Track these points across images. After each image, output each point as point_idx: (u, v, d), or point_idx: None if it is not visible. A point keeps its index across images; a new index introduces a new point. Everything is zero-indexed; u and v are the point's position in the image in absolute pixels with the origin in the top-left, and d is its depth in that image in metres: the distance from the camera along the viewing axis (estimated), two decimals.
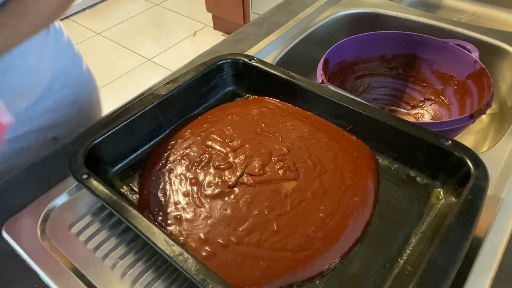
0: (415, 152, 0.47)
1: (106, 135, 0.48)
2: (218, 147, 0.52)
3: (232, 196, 0.46)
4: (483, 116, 0.61)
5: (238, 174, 0.48)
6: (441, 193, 0.46)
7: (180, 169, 0.50)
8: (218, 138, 0.53)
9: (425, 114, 0.72)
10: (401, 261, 0.40)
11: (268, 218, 0.44)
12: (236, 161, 0.50)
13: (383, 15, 0.81)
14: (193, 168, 0.50)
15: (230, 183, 0.47)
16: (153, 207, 0.46)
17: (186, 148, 0.52)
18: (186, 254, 0.36)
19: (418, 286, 0.33)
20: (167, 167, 0.50)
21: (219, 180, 0.48)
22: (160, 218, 0.45)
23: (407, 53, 0.72)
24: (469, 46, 0.66)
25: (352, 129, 0.52)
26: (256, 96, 0.61)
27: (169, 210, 0.45)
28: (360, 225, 0.43)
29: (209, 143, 0.52)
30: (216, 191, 0.47)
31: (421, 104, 0.73)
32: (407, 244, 0.41)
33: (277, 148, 0.51)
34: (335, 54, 0.68)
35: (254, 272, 0.39)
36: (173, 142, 0.54)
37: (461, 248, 0.35)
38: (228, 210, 0.45)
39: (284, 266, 0.40)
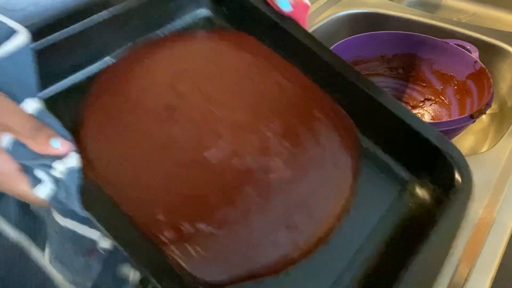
0: (399, 140, 0.41)
1: (41, 44, 0.37)
2: (191, 98, 0.41)
3: (208, 170, 0.37)
4: (483, 116, 0.61)
5: (223, 153, 0.38)
6: (417, 192, 0.41)
7: (140, 112, 0.40)
8: (190, 84, 0.42)
9: (425, 114, 0.72)
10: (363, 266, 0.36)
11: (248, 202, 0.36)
12: (217, 126, 0.40)
13: (383, 15, 0.81)
14: (156, 116, 0.39)
15: (211, 158, 0.37)
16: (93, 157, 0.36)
17: (148, 84, 0.42)
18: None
19: None
20: (121, 107, 0.40)
21: (194, 144, 0.38)
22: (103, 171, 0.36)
23: (407, 53, 0.72)
24: (469, 46, 0.66)
25: (340, 98, 0.44)
26: (234, 31, 0.47)
27: (116, 165, 0.36)
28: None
29: (179, 87, 0.41)
30: (188, 158, 0.37)
31: (421, 104, 0.73)
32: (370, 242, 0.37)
33: (264, 115, 0.41)
34: None
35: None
36: (128, 71, 0.42)
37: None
38: (201, 186, 0.36)
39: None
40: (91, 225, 0.33)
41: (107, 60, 0.42)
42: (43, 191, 0.30)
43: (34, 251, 0.39)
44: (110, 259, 0.35)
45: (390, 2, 0.84)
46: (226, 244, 0.33)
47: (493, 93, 0.58)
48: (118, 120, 0.39)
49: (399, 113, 0.40)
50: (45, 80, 0.36)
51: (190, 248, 0.32)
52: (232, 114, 0.40)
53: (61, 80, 0.40)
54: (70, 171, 0.30)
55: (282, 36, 0.44)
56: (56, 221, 0.34)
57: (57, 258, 0.36)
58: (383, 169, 0.41)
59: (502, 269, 0.42)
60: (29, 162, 0.30)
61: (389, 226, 0.38)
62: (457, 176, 0.37)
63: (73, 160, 0.31)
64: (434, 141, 0.38)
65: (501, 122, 0.69)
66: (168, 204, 0.34)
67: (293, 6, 0.42)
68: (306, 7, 0.43)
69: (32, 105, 0.30)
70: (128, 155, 0.37)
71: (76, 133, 0.36)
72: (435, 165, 0.39)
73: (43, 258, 0.38)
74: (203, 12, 0.48)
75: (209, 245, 0.33)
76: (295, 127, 0.40)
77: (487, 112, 0.57)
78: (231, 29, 0.47)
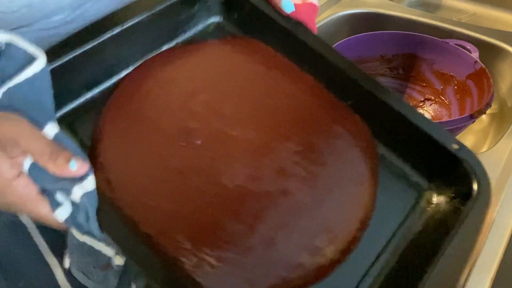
0: (416, 147, 0.40)
1: (56, 63, 0.37)
2: (207, 118, 0.40)
3: (225, 195, 0.36)
4: (483, 116, 0.61)
5: (240, 177, 0.37)
6: (434, 199, 0.40)
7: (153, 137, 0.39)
8: (205, 102, 0.41)
9: (425, 114, 0.72)
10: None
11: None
12: (233, 149, 0.39)
13: (383, 15, 0.81)
14: (173, 138, 0.39)
15: (228, 183, 0.37)
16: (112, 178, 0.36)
17: (162, 103, 0.41)
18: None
19: None
20: (136, 126, 0.39)
21: (210, 168, 0.37)
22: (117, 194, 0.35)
23: (407, 53, 0.72)
24: (469, 46, 0.67)
25: (354, 105, 0.42)
26: (246, 38, 0.47)
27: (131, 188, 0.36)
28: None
29: (194, 106, 0.41)
30: (205, 183, 0.37)
31: (421, 104, 0.73)
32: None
33: (283, 135, 0.40)
34: None
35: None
36: (142, 88, 0.42)
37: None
38: (219, 211, 0.36)
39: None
40: (107, 243, 0.34)
41: (122, 74, 0.43)
42: (63, 215, 0.31)
43: (36, 237, 0.40)
44: (125, 275, 0.36)
45: (390, 2, 0.84)
46: (246, 268, 0.33)
47: (493, 93, 0.58)
48: (134, 139, 0.39)
49: (415, 119, 0.39)
50: (61, 98, 0.37)
51: (210, 271, 0.33)
52: (247, 134, 0.39)
53: (77, 97, 0.40)
54: (88, 195, 0.31)
55: (293, 42, 0.43)
56: (74, 237, 0.35)
57: (78, 269, 0.37)
58: (399, 176, 0.40)
59: (502, 269, 0.42)
60: (50, 185, 0.30)
61: (406, 235, 0.37)
62: (475, 185, 0.36)
63: (90, 183, 0.31)
64: (452, 148, 0.37)
65: (501, 122, 0.69)
66: (189, 230, 0.34)
67: (300, 6, 0.42)
68: (314, 7, 0.42)
69: (51, 129, 0.31)
70: (144, 177, 0.37)
71: (93, 151, 0.37)
72: (452, 173, 0.38)
73: (44, 248, 0.39)
74: (215, 19, 0.48)
75: (230, 269, 0.33)
76: (312, 144, 0.39)
77: (487, 112, 0.57)
78: (243, 36, 0.47)
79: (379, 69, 0.75)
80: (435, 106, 0.72)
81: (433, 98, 0.72)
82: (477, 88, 0.63)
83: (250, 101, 0.42)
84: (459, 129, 0.57)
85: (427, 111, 0.72)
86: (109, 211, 0.33)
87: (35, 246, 0.40)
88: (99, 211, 0.32)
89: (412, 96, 0.74)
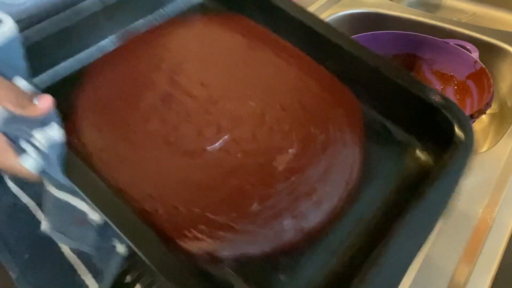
0: (396, 102, 0.39)
1: (32, 34, 0.38)
2: (189, 91, 0.40)
3: (208, 160, 0.36)
4: (483, 116, 0.61)
5: (223, 137, 0.37)
6: (417, 151, 0.39)
7: (135, 103, 0.39)
8: (187, 76, 0.41)
9: None
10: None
11: (249, 194, 0.36)
12: (218, 117, 0.39)
13: (383, 15, 0.81)
14: (154, 108, 0.39)
15: (210, 145, 0.37)
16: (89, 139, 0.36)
17: (143, 74, 0.41)
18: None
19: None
20: (117, 96, 0.39)
21: (194, 135, 0.37)
22: (93, 153, 0.36)
23: (407, 53, 0.72)
24: (469, 46, 0.66)
25: (329, 63, 0.43)
26: (227, 13, 0.48)
27: (110, 146, 0.36)
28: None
29: (177, 79, 0.41)
30: (188, 147, 0.37)
31: None
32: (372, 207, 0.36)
33: (268, 104, 0.40)
34: None
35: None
36: (121, 61, 0.42)
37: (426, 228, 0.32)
38: (198, 174, 0.35)
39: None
40: (82, 198, 0.33)
41: (100, 47, 0.42)
42: (30, 164, 0.31)
43: (39, 214, 0.40)
44: (105, 230, 0.36)
45: (390, 2, 0.84)
46: (231, 231, 0.33)
47: (493, 93, 0.58)
48: (113, 109, 0.39)
49: (393, 75, 0.39)
50: (37, 67, 0.37)
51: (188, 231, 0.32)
52: (232, 104, 0.39)
53: (53, 67, 0.40)
54: (52, 142, 0.31)
55: (275, 13, 0.44)
56: (51, 193, 0.35)
57: (55, 228, 0.37)
58: (381, 133, 0.40)
59: (502, 269, 0.42)
60: (15, 130, 0.30)
61: (390, 189, 0.37)
62: (457, 130, 0.36)
63: (56, 132, 0.31)
64: (431, 98, 0.37)
65: (501, 122, 0.69)
66: (167, 190, 0.34)
67: None
68: None
69: (20, 82, 0.31)
70: (125, 144, 0.36)
71: (70, 123, 0.36)
72: (435, 124, 0.38)
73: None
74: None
75: (213, 230, 0.33)
76: (299, 113, 0.39)
77: (487, 112, 0.57)
78: (224, 11, 0.47)
79: None
80: None
81: None
82: (477, 88, 0.63)
83: (234, 72, 0.42)
84: None
85: None
86: (78, 162, 0.32)
87: (37, 222, 0.40)
88: (71, 162, 0.32)
89: None
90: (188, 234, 0.32)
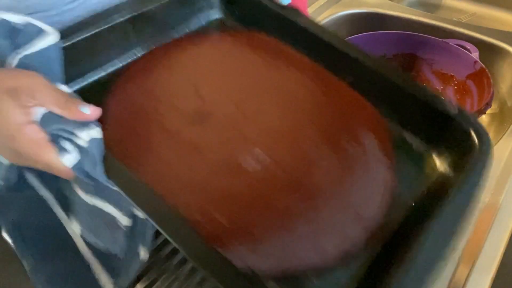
0: (414, 112, 0.40)
1: (66, 44, 0.39)
2: (218, 106, 0.41)
3: (245, 174, 0.36)
4: (483, 116, 0.61)
5: (257, 151, 0.37)
6: (437, 163, 0.40)
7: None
8: (214, 92, 0.42)
9: None
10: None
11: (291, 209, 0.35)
12: (251, 133, 0.39)
13: (383, 15, 0.81)
14: (186, 119, 0.40)
15: (246, 159, 0.37)
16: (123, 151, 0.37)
17: (169, 88, 0.42)
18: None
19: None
20: (146, 106, 0.41)
21: (229, 150, 0.38)
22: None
23: (407, 53, 0.72)
24: (469, 46, 0.67)
25: (349, 79, 0.43)
26: (246, 30, 0.49)
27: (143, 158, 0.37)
28: None
29: (204, 94, 0.41)
30: (225, 161, 0.37)
31: None
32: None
33: (297, 119, 0.40)
34: None
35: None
36: (147, 72, 0.44)
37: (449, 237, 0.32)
38: (239, 188, 0.36)
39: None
40: (111, 202, 0.35)
41: (126, 58, 0.45)
42: (69, 160, 0.32)
43: (56, 208, 0.40)
44: (133, 236, 0.37)
45: (390, 2, 0.84)
46: (272, 247, 0.33)
47: (493, 93, 0.58)
48: (143, 114, 0.40)
49: (411, 89, 0.39)
50: (72, 77, 0.40)
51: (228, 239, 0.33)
52: (263, 119, 0.40)
53: (82, 76, 0.43)
54: (93, 140, 0.33)
55: (292, 28, 0.45)
56: (80, 197, 0.36)
57: (87, 231, 0.38)
58: (400, 144, 0.40)
59: (502, 269, 0.42)
60: (57, 130, 0.32)
61: (414, 198, 0.37)
62: (475, 140, 0.37)
63: (96, 132, 0.33)
64: (449, 110, 0.38)
65: (501, 122, 0.69)
66: (206, 201, 0.34)
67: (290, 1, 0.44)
68: (304, 1, 0.45)
69: (62, 87, 0.34)
70: (157, 153, 0.37)
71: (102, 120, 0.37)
72: (453, 135, 0.38)
73: (67, 220, 0.40)
74: (217, 15, 0.51)
75: (256, 245, 0.33)
76: (328, 127, 0.40)
77: (487, 112, 0.58)
78: (243, 29, 0.49)
79: None
80: None
81: None
82: (477, 88, 0.63)
83: (260, 87, 0.43)
84: None
85: None
86: (116, 164, 0.33)
87: (54, 216, 0.40)
88: (106, 160, 0.33)
89: None
90: (231, 247, 0.32)
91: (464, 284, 0.40)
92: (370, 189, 0.37)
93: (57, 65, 0.36)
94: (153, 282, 0.42)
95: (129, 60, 0.45)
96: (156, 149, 0.38)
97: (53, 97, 0.32)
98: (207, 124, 0.39)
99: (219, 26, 0.50)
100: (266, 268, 0.32)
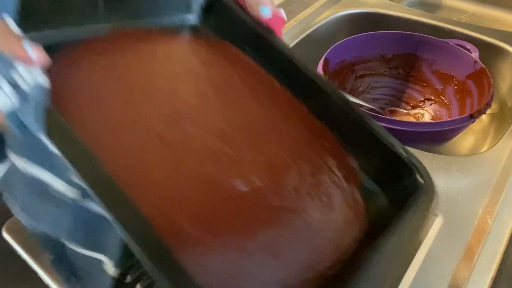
0: (366, 151, 0.40)
1: None
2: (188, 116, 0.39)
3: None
4: (483, 116, 0.61)
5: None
6: (382, 199, 0.40)
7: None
8: (182, 99, 0.40)
9: (425, 114, 0.72)
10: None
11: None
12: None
13: (383, 15, 0.81)
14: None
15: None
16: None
17: (134, 81, 0.39)
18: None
19: None
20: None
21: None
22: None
23: (407, 53, 0.72)
24: (469, 46, 0.67)
25: (310, 104, 0.43)
26: (219, 41, 0.47)
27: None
28: None
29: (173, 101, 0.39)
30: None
31: (421, 104, 0.73)
32: None
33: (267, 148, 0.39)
34: (335, 54, 0.68)
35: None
36: (112, 53, 0.41)
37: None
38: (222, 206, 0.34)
39: None
40: (45, 166, 0.30)
41: (91, 31, 0.41)
42: (4, 102, 0.27)
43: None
44: (79, 206, 0.31)
45: (390, 2, 0.84)
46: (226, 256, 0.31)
47: (493, 93, 0.58)
48: (106, 104, 0.36)
49: (364, 124, 0.39)
50: (24, 26, 0.32)
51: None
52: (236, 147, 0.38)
53: (40, 31, 0.38)
54: (37, 85, 0.27)
55: (266, 49, 0.44)
56: (12, 162, 0.31)
57: (23, 210, 0.32)
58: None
59: (502, 269, 0.42)
60: None
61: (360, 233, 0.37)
62: (419, 178, 0.37)
63: (42, 77, 0.28)
64: (393, 149, 0.38)
65: (501, 122, 0.69)
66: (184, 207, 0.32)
67: (272, 19, 0.43)
68: (282, 20, 0.44)
69: (9, 20, 0.28)
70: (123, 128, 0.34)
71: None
72: (396, 173, 0.39)
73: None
74: (192, 18, 0.48)
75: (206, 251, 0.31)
76: (296, 159, 0.39)
77: (487, 112, 0.58)
78: (216, 39, 0.47)
79: (379, 69, 0.75)
80: (435, 106, 0.72)
81: (433, 98, 0.72)
82: (477, 88, 0.63)
83: (233, 110, 0.41)
84: (459, 129, 0.57)
85: (427, 111, 0.72)
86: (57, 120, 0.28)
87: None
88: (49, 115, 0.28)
89: (412, 96, 0.74)
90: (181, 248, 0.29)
91: (464, 284, 0.40)
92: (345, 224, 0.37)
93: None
94: (153, 282, 0.42)
95: (91, 34, 0.41)
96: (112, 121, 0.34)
97: None
98: (179, 123, 0.37)
99: (193, 31, 0.48)
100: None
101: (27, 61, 0.27)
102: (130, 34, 0.44)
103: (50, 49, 0.35)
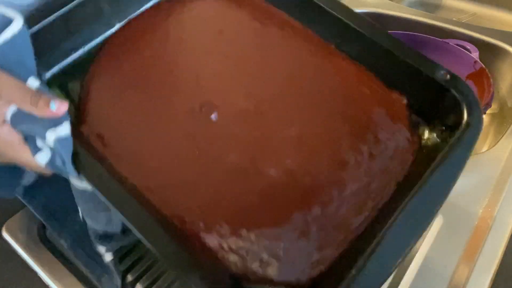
0: (403, 80, 0.38)
1: (36, 30, 0.37)
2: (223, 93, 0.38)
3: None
4: (483, 116, 0.61)
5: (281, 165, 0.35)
6: (426, 132, 0.38)
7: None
8: (212, 76, 0.39)
9: None
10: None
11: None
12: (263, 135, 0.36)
13: (383, 15, 0.81)
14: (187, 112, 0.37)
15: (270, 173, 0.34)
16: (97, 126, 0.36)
17: (156, 65, 0.39)
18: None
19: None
20: (119, 80, 0.39)
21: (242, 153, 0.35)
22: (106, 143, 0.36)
23: None
24: (469, 46, 0.66)
25: (340, 44, 0.41)
26: None
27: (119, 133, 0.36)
28: None
29: (206, 76, 0.39)
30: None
31: None
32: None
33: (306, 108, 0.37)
34: None
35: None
36: (125, 47, 0.41)
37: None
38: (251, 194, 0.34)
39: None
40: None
41: (105, 32, 0.42)
42: (43, 159, 0.33)
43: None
44: None
45: (390, 2, 0.84)
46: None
47: (493, 93, 0.58)
48: (128, 97, 0.37)
49: (400, 52, 0.37)
50: (49, 59, 0.39)
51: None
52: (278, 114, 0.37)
53: (65, 58, 0.41)
54: (59, 140, 0.32)
55: None
56: (73, 183, 0.36)
57: (86, 215, 0.39)
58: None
59: (502, 269, 0.42)
60: (30, 131, 0.32)
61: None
62: (465, 112, 0.35)
63: (63, 129, 0.33)
64: (440, 76, 0.36)
65: (501, 122, 0.69)
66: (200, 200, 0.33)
67: None
68: None
69: (32, 81, 0.33)
70: (141, 135, 0.36)
71: (80, 106, 0.37)
72: (443, 103, 0.37)
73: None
74: None
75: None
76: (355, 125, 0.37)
77: (487, 112, 0.58)
78: None
79: None
80: None
81: None
82: (477, 88, 0.63)
83: (266, 71, 0.39)
84: None
85: None
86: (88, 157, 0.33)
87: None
88: (77, 156, 0.33)
89: None
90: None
91: (464, 284, 0.40)
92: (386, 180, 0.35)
93: (26, 54, 0.33)
94: (153, 282, 0.42)
95: (107, 33, 0.42)
96: (144, 137, 0.36)
97: (20, 94, 0.31)
98: (208, 116, 0.36)
99: None
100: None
101: (53, 117, 0.32)
102: (141, 19, 0.43)
103: (77, 65, 0.40)
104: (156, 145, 0.36)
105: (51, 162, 0.33)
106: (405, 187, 0.34)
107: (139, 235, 0.30)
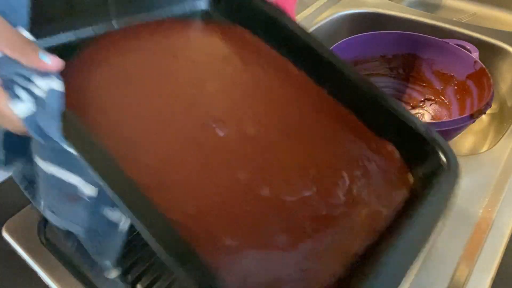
0: (388, 127, 0.39)
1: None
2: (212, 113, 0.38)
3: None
4: (483, 116, 0.61)
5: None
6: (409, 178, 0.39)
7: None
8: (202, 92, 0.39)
9: (425, 114, 0.72)
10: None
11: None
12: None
13: (383, 15, 0.82)
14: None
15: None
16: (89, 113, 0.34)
17: (152, 76, 0.39)
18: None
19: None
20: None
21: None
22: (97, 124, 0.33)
23: (407, 53, 0.72)
24: (469, 46, 0.66)
25: (328, 87, 0.42)
26: (230, 26, 0.46)
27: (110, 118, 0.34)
28: None
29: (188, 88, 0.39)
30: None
31: (421, 104, 0.73)
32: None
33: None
34: None
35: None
36: (126, 46, 0.41)
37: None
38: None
39: None
40: (71, 170, 0.32)
41: (102, 28, 0.41)
42: (21, 109, 0.28)
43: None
44: (95, 205, 0.33)
45: (390, 2, 0.84)
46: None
47: (493, 93, 0.58)
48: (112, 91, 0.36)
49: (388, 105, 0.38)
50: (37, 32, 0.33)
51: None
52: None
53: (53, 35, 0.38)
54: (53, 92, 0.29)
55: (278, 30, 0.43)
56: (38, 166, 0.32)
57: (47, 207, 0.35)
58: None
59: (502, 269, 0.42)
60: (12, 75, 0.28)
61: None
62: (443, 158, 0.36)
63: (57, 84, 0.29)
64: (418, 129, 0.37)
65: (501, 122, 0.69)
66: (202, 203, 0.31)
67: None
68: (291, 2, 0.43)
69: (24, 32, 0.29)
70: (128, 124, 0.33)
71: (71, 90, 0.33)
72: (421, 154, 0.38)
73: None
74: (202, 4, 0.47)
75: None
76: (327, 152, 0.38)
77: (487, 112, 0.58)
78: (228, 24, 0.46)
79: (379, 69, 0.75)
80: (435, 106, 0.72)
81: (433, 98, 0.72)
82: (477, 88, 0.63)
83: (252, 98, 0.40)
84: (459, 129, 0.57)
85: (427, 111, 0.72)
86: (76, 122, 0.29)
87: None
88: (66, 118, 0.29)
89: (412, 96, 0.74)
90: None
91: (464, 284, 0.40)
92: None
93: (21, 5, 0.30)
94: (153, 282, 0.42)
95: (104, 31, 0.41)
96: (126, 120, 0.34)
97: (9, 39, 0.28)
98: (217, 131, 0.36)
99: (204, 17, 0.47)
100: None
101: (43, 69, 0.28)
102: (144, 27, 0.43)
103: (65, 50, 0.37)
104: (163, 146, 0.34)
105: (31, 118, 0.28)
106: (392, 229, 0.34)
107: (124, 210, 0.27)
